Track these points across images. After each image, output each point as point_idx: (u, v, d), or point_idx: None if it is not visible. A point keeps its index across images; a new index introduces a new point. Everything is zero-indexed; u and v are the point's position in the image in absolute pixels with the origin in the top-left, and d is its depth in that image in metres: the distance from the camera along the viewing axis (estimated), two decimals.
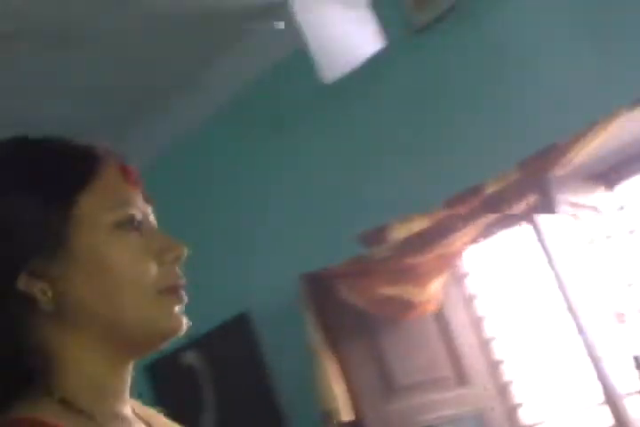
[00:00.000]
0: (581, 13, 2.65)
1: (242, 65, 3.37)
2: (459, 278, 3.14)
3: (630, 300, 2.78)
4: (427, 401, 2.98)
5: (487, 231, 2.88)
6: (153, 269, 1.05)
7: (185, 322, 1.05)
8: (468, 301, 3.14)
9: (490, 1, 2.82)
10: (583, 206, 2.78)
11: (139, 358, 1.07)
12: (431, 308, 2.99)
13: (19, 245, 0.99)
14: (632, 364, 2.67)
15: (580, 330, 2.68)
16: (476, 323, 3.13)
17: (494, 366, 3.11)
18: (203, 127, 3.59)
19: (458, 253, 2.93)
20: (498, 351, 3.13)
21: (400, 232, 2.83)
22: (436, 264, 2.88)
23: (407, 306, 2.95)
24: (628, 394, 2.71)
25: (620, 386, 2.69)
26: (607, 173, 2.85)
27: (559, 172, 2.61)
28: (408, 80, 3.01)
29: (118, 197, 1.05)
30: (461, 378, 3.05)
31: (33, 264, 0.99)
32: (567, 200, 2.70)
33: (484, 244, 3.01)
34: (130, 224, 1.05)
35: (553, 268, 2.72)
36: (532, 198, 2.63)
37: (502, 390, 3.08)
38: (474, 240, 2.88)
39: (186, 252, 1.07)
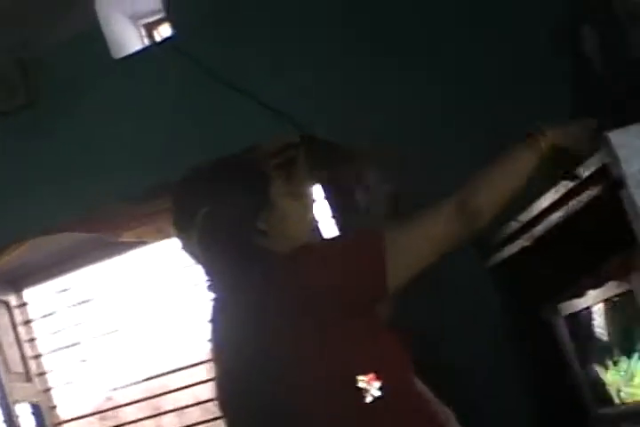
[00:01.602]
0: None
1: None
2: None
3: None
4: None
5: None
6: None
7: None
8: None
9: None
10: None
11: None
12: None
13: (254, 208, 1.97)
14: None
15: None
16: None
17: None
18: None
19: None
20: None
21: None
22: None
23: None
24: None
25: None
26: (17, 279, 4.01)
27: None
28: None
29: (283, 180, 2.02)
30: None
31: (261, 216, 1.97)
32: None
33: None
34: (295, 194, 2.09)
35: None
36: None
37: None
38: None
39: None
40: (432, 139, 3.10)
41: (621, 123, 2.01)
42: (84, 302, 3.92)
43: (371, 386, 1.84)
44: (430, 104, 3.13)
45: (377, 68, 3.20)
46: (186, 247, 2.05)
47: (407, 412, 1.90)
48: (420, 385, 2.11)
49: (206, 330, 2.06)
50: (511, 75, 3.04)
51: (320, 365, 1.84)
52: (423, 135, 3.11)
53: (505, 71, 3.05)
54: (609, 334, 2.41)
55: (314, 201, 2.17)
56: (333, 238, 2.16)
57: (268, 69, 3.30)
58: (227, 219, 1.97)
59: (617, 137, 1.98)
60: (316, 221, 2.19)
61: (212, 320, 2.03)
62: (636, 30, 2.41)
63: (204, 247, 1.99)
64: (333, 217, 3.30)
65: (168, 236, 3.35)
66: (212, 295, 2.03)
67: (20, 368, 3.87)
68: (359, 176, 3.17)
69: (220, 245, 1.98)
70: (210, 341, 2.04)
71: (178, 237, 2.06)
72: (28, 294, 4.03)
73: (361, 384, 1.83)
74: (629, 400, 2.38)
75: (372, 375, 1.84)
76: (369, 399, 1.83)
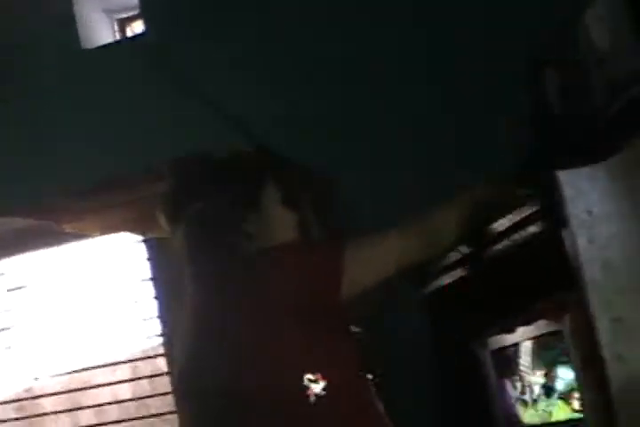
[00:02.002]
0: None
1: None
2: None
3: None
4: None
5: None
6: None
7: None
8: None
9: None
10: None
11: None
12: None
13: (243, 210, 2.12)
14: None
15: None
16: None
17: None
18: None
19: None
20: None
21: None
22: None
23: None
24: None
25: None
26: None
27: None
28: None
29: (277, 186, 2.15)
30: None
31: (249, 218, 2.12)
32: None
33: None
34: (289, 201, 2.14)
35: None
36: None
37: None
38: None
39: None
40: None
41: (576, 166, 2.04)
42: (17, 288, 3.86)
43: (316, 385, 1.93)
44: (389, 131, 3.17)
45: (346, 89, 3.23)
46: (170, 238, 2.19)
47: (349, 416, 1.98)
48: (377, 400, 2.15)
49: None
50: (471, 111, 3.08)
51: (272, 357, 1.97)
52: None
53: (465, 107, 3.11)
54: (532, 373, 2.43)
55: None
56: (300, 244, 2.21)
57: (235, 76, 3.31)
58: (214, 218, 2.10)
59: (566, 177, 2.01)
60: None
61: (181, 305, 2.16)
62: (599, 75, 2.45)
63: (189, 242, 2.13)
64: None
65: (111, 231, 3.42)
66: (187, 285, 2.15)
67: None
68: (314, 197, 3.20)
69: (203, 242, 2.11)
70: (175, 328, 2.27)
71: (164, 228, 2.20)
72: None
73: (306, 382, 1.93)
74: None
75: (319, 375, 1.94)
76: (312, 398, 1.93)
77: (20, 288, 3.87)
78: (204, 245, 2.12)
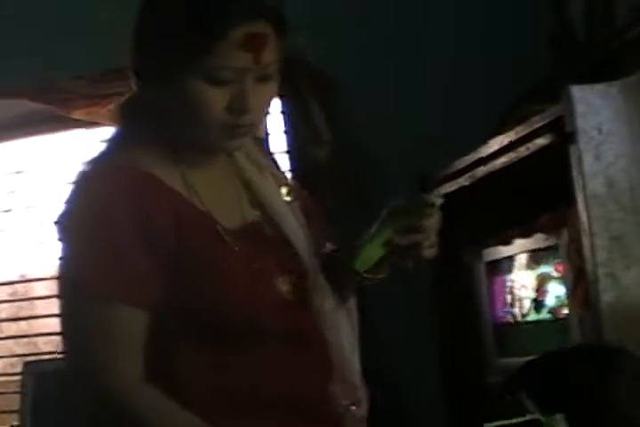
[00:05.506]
0: None
1: None
2: None
3: None
4: None
5: None
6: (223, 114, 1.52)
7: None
8: None
9: None
10: None
11: None
12: None
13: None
14: None
15: None
16: None
17: None
18: None
19: None
20: None
21: None
22: None
23: None
24: None
25: None
26: None
27: None
28: None
29: (224, 62, 1.50)
30: None
31: None
32: None
33: None
34: (220, 82, 1.50)
35: None
36: None
37: None
38: None
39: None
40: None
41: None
42: (16, 172, 3.83)
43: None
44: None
45: None
46: None
47: None
48: None
49: None
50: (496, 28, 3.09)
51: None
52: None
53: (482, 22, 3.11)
54: (524, 286, 2.45)
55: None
56: None
57: None
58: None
59: (579, 92, 2.00)
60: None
61: None
62: (623, 1, 2.44)
63: None
64: (286, 132, 3.27)
65: None
66: None
67: None
68: (323, 100, 3.16)
69: None
70: None
71: None
72: None
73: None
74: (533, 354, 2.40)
75: None
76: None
77: (18, 173, 3.85)
78: None
